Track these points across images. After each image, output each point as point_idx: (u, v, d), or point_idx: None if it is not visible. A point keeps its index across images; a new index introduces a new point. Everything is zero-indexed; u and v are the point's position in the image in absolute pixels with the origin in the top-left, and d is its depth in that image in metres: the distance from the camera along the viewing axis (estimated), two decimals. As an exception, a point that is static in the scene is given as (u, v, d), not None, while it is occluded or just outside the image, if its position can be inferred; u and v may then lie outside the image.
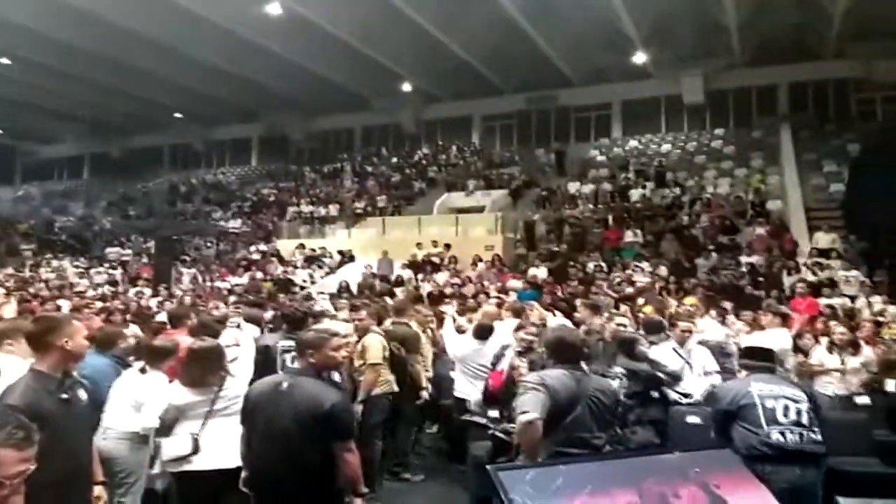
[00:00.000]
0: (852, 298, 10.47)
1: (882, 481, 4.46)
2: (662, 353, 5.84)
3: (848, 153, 18.30)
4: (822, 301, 9.81)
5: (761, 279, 12.09)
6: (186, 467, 3.76)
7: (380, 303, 7.88)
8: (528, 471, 2.86)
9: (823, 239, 13.77)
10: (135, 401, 4.15)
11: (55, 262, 19.59)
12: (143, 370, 4.33)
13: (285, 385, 3.25)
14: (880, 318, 8.16)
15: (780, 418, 3.66)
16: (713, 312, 7.74)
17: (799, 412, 3.68)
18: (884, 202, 12.15)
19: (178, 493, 3.92)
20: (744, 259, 13.32)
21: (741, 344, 6.03)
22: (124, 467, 4.15)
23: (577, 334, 4.25)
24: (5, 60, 22.47)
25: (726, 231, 15.19)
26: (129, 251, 20.71)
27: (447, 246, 16.32)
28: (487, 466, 2.77)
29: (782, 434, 3.62)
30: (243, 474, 3.35)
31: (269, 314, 8.17)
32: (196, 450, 3.69)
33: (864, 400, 5.73)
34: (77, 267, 18.81)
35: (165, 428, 3.88)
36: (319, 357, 3.33)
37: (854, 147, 18.25)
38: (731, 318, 7.96)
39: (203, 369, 3.92)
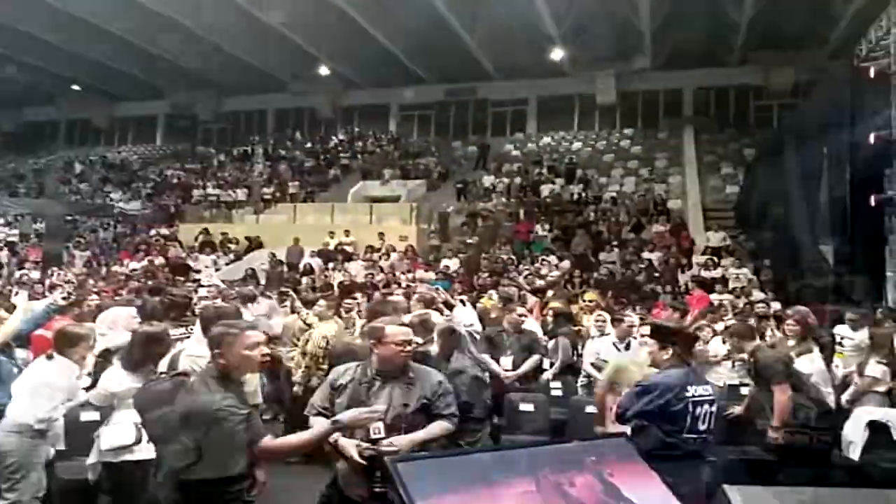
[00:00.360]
0: (740, 294, 11.07)
1: (767, 468, 4.68)
2: (602, 346, 6.02)
3: (745, 157, 19.36)
4: (714, 297, 10.32)
5: (658, 275, 12.62)
6: (127, 457, 3.63)
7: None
8: (426, 461, 2.82)
9: (714, 237, 14.54)
10: (30, 390, 3.89)
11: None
12: (49, 356, 4.04)
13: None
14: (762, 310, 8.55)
15: (700, 426, 3.57)
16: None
17: (711, 416, 3.61)
18: (773, 205, 12.94)
19: (111, 483, 3.76)
20: (644, 255, 13.86)
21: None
22: (12, 461, 3.84)
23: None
24: None
25: (632, 228, 15.77)
26: (17, 231, 19.32)
27: (346, 233, 16.14)
28: (385, 459, 2.70)
29: (694, 441, 3.57)
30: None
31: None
32: (139, 439, 3.53)
33: (750, 390, 6.03)
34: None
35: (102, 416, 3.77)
36: (230, 357, 2.83)
37: (750, 151, 19.31)
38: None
39: (146, 354, 3.82)
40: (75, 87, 27.70)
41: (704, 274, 12.12)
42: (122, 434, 3.64)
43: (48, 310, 4.88)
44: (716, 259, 13.11)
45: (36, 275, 13.13)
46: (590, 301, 8.27)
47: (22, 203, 21.32)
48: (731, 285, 11.58)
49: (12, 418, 3.88)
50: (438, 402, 3.27)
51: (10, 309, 5.16)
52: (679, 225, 15.78)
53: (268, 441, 2.88)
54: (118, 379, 3.81)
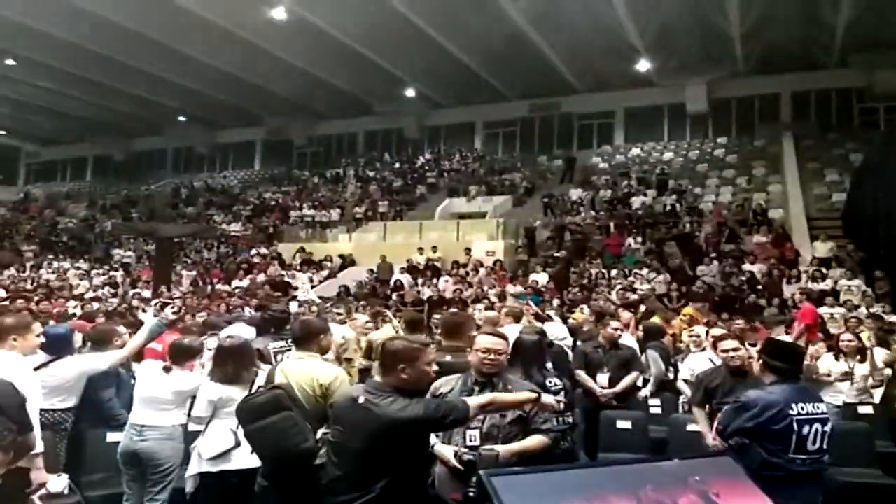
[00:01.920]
0: (853, 308, 10.41)
1: (883, 492, 4.39)
2: (698, 362, 5.81)
3: (850, 162, 18.26)
4: (824, 310, 9.75)
5: (761, 288, 12.05)
6: (225, 466, 3.76)
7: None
8: (521, 476, 2.81)
9: (821, 248, 13.75)
10: (175, 396, 4.17)
11: (56, 264, 19.58)
12: (167, 369, 4.30)
13: (362, 400, 2.88)
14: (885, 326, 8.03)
15: (810, 446, 3.36)
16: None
17: (824, 436, 3.39)
18: (885, 212, 12.09)
19: (209, 493, 3.89)
20: (746, 267, 13.27)
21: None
22: (166, 464, 4.14)
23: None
24: (10, 61, 22.53)
25: (729, 239, 15.15)
26: (131, 253, 20.69)
27: (434, 249, 16.29)
28: (480, 471, 2.71)
29: (803, 462, 3.37)
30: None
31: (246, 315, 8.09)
32: (238, 444, 3.67)
33: (866, 409, 5.66)
34: (78, 269, 18.79)
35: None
36: (413, 372, 2.91)
37: (856, 156, 18.21)
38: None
39: (235, 365, 4.00)
40: (181, 118, 29.45)
41: (812, 286, 11.47)
42: (220, 441, 3.77)
43: (160, 325, 5.16)
44: (824, 270, 12.39)
45: (147, 293, 14.01)
46: (686, 316, 7.97)
47: (134, 227, 22.79)
48: (842, 298, 10.91)
49: (165, 425, 4.14)
50: (536, 416, 3.25)
51: (133, 325, 5.52)
52: (781, 235, 15.01)
53: (474, 400, 2.96)
54: (213, 389, 3.98)
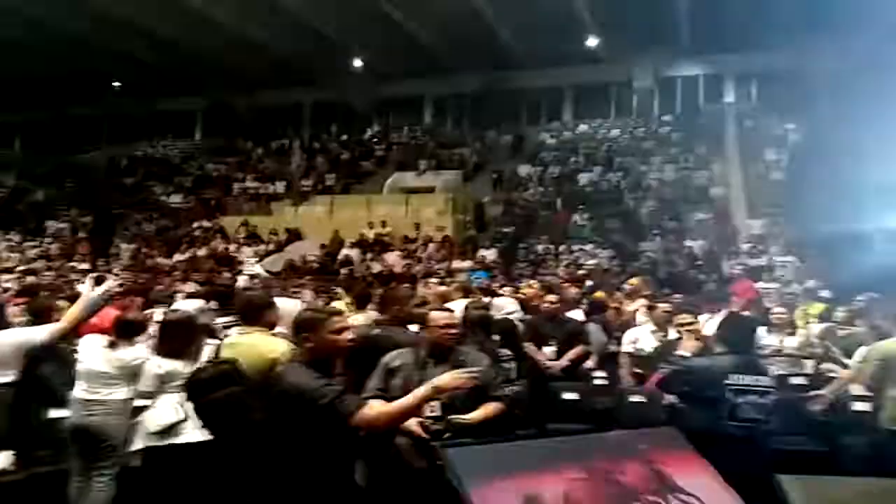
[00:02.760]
0: (787, 283, 10.83)
1: (815, 459, 4.62)
2: (639, 335, 5.98)
3: (788, 142, 18.86)
4: (760, 285, 10.11)
5: (700, 263, 12.42)
6: (172, 440, 3.72)
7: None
8: (475, 447, 2.85)
9: (757, 225, 14.24)
10: (121, 371, 4.09)
11: (-15, 236, 18.66)
12: (112, 344, 4.22)
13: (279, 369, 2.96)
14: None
15: (742, 415, 3.55)
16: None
17: (761, 408, 3.58)
18: (820, 190, 12.59)
19: (155, 467, 3.84)
20: (687, 244, 13.65)
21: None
22: (113, 439, 4.06)
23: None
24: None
25: (671, 217, 15.54)
26: (66, 225, 19.88)
27: (383, 224, 16.22)
28: (435, 443, 2.73)
29: (737, 428, 3.55)
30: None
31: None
32: (185, 418, 3.63)
33: (798, 380, 5.91)
34: (9, 241, 17.95)
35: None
36: (317, 340, 2.94)
37: (795, 137, 18.80)
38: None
39: (181, 339, 3.99)
40: (115, 84, 28.24)
41: (750, 262, 11.89)
42: (166, 415, 3.73)
43: (103, 299, 5.00)
44: (760, 247, 12.85)
45: (85, 266, 13.50)
46: (632, 286, 8.14)
47: (69, 198, 21.90)
48: (776, 273, 11.34)
49: (112, 399, 4.06)
50: (489, 384, 3.35)
51: (71, 299, 5.33)
52: (722, 213, 15.48)
53: (367, 411, 2.84)
54: (159, 364, 3.92)
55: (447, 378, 2.88)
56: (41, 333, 4.23)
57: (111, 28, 21.06)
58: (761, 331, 6.49)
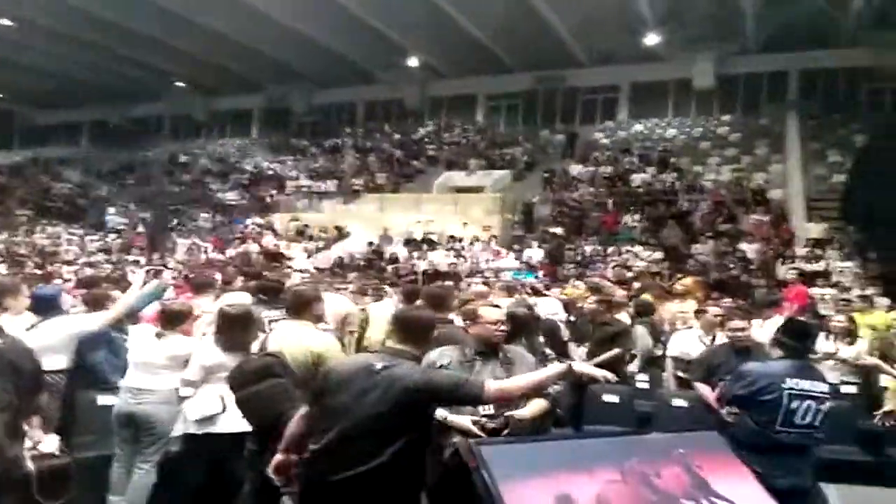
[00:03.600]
0: (844, 290, 10.41)
1: (864, 469, 4.44)
2: (686, 340, 5.82)
3: (854, 144, 18.12)
4: (815, 291, 9.74)
5: (753, 268, 12.04)
6: (211, 429, 3.79)
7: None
8: (508, 446, 2.81)
9: (816, 229, 13.71)
10: (170, 361, 4.15)
11: (50, 229, 19.51)
12: (159, 335, 4.28)
13: (379, 366, 2.81)
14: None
15: (797, 420, 3.43)
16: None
17: (817, 414, 3.45)
18: (885, 195, 12.04)
19: (194, 455, 3.94)
20: (741, 247, 13.25)
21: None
22: (161, 427, 4.14)
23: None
24: (7, 22, 22.07)
25: (726, 219, 15.10)
26: (126, 220, 20.61)
27: (429, 223, 16.22)
28: (469, 440, 2.70)
29: (788, 434, 3.44)
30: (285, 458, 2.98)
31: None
32: (224, 409, 3.68)
33: (849, 389, 5.69)
34: (72, 234, 18.73)
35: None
36: (479, 331, 3.22)
37: (860, 138, 18.05)
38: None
39: (240, 332, 4.01)
40: (178, 84, 29.07)
41: (805, 267, 11.46)
42: (207, 405, 3.79)
43: (158, 290, 5.12)
44: (818, 251, 12.37)
45: (141, 260, 13.96)
46: (682, 287, 7.91)
47: (130, 193, 22.68)
48: (833, 279, 10.90)
49: (161, 389, 4.13)
50: None
51: (125, 290, 5.50)
52: (779, 215, 14.96)
53: (494, 385, 2.82)
54: (209, 354, 3.98)
55: (583, 366, 3.00)
56: (92, 322, 4.36)
57: (173, 27, 21.70)
58: (819, 337, 6.27)
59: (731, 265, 12.20)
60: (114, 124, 32.82)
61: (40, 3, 19.97)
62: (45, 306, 4.29)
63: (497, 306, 3.69)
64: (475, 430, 3.05)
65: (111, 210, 21.77)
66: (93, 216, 21.54)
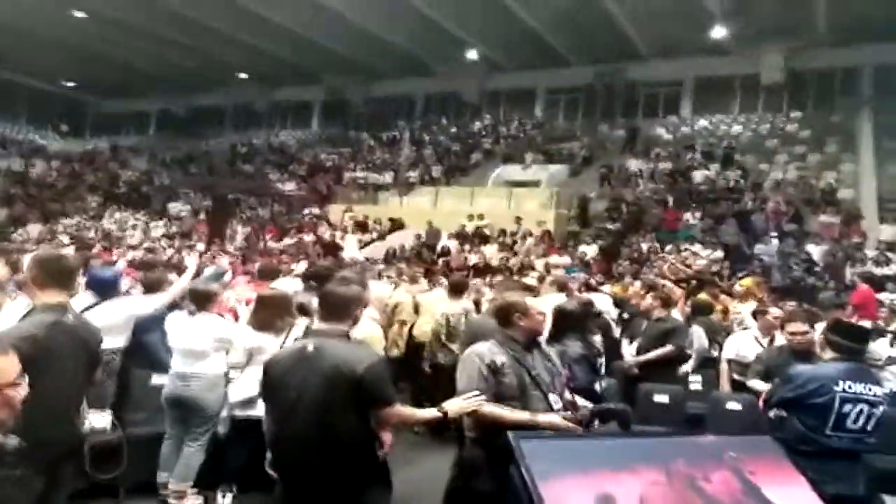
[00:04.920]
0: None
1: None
2: (743, 342, 5.64)
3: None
4: (884, 296, 9.24)
5: (820, 270, 11.52)
6: (251, 412, 3.87)
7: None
8: (550, 441, 2.73)
9: (888, 231, 13.04)
10: (215, 344, 4.26)
11: (117, 215, 20.25)
12: (191, 313, 4.40)
13: (311, 348, 2.85)
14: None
15: (849, 424, 3.29)
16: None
17: (870, 418, 3.30)
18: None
19: (238, 437, 4.03)
20: (807, 248, 12.70)
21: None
22: (209, 410, 4.24)
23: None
24: (80, 13, 22.96)
25: (792, 219, 14.50)
26: (188, 207, 21.20)
27: (480, 216, 16.11)
28: (509, 434, 2.63)
29: (840, 439, 3.30)
30: (269, 455, 3.02)
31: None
32: None
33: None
34: (137, 220, 19.39)
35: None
36: (528, 322, 3.13)
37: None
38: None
39: (271, 315, 4.16)
40: (241, 75, 29.75)
41: (875, 270, 10.90)
42: (248, 388, 3.86)
43: (215, 275, 5.22)
44: (889, 254, 11.75)
45: (201, 247, 14.32)
46: (742, 287, 7.61)
47: (191, 181, 23.34)
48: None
49: (207, 373, 4.23)
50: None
51: (181, 273, 5.64)
52: (850, 216, 14.27)
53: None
54: (249, 336, 4.06)
55: (558, 420, 2.96)
56: (149, 304, 4.47)
57: (238, 20, 22.20)
58: (883, 343, 5.96)
59: (796, 267, 11.70)
60: (179, 114, 33.85)
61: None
62: (105, 288, 4.39)
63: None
64: (564, 423, 2.96)
65: (174, 198, 22.45)
66: (156, 203, 22.26)
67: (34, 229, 17.58)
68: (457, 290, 6.49)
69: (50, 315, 2.70)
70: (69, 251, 9.70)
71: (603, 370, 4.81)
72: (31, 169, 25.67)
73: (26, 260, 4.03)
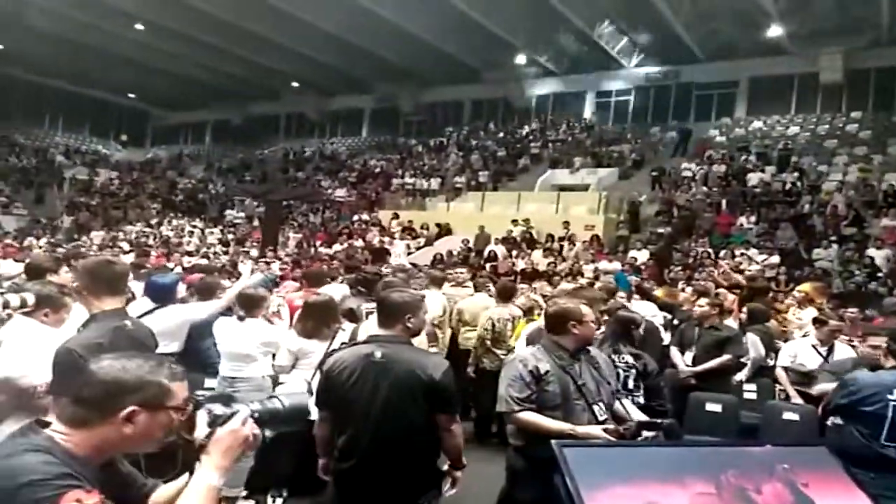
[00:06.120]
0: None
1: None
2: (800, 349, 5.48)
3: None
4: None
5: (882, 275, 11.04)
6: None
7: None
8: (594, 449, 2.70)
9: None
10: (261, 347, 4.35)
11: (175, 221, 20.88)
12: (241, 318, 4.47)
13: (378, 354, 2.84)
14: None
15: None
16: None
17: None
18: None
19: (283, 443, 4.03)
20: (869, 252, 12.20)
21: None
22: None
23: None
24: (139, 26, 23.75)
25: (852, 222, 13.96)
26: (242, 214, 21.71)
27: (526, 221, 16.05)
28: (552, 441, 2.61)
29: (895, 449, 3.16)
30: (323, 460, 3.03)
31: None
32: (311, 393, 3.76)
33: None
34: (194, 227, 19.95)
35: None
36: (417, 322, 2.98)
37: None
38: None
39: (317, 321, 4.20)
40: (294, 84, 30.34)
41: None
42: (296, 388, 3.91)
43: (266, 280, 5.33)
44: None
45: (255, 252, 14.65)
46: (800, 293, 7.34)
47: (245, 188, 23.88)
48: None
49: (254, 376, 4.33)
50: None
51: (237, 278, 5.78)
52: (916, 220, 13.68)
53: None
54: (294, 341, 4.13)
55: (598, 432, 2.92)
56: (203, 311, 4.58)
57: (290, 29, 22.63)
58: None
59: (857, 272, 11.25)
60: (234, 123, 34.74)
61: (169, 8, 21.37)
62: (162, 294, 4.50)
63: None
64: (606, 436, 2.92)
65: (230, 204, 23.01)
66: (212, 210, 22.86)
67: (97, 236, 18.27)
68: (505, 296, 6.48)
69: (110, 321, 2.77)
70: (127, 258, 10.08)
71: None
72: (95, 178, 26.69)
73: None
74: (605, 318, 4.52)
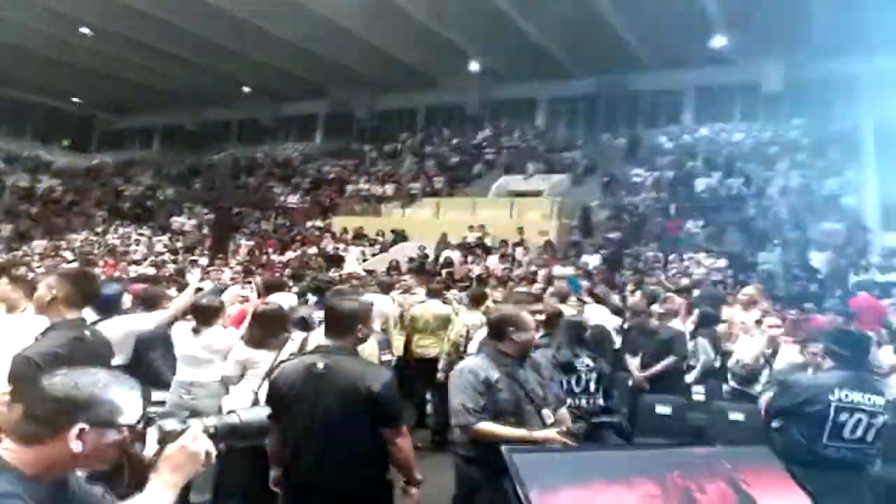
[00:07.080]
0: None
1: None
2: (746, 350, 5.59)
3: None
4: (889, 302, 9.17)
5: (823, 277, 11.46)
6: None
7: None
8: (543, 454, 2.72)
9: (892, 239, 12.98)
10: (212, 354, 4.34)
11: (122, 230, 20.33)
12: (195, 330, 4.44)
13: (321, 366, 2.83)
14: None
15: (846, 434, 3.25)
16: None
17: (868, 428, 3.25)
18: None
19: (234, 454, 3.98)
20: (813, 255, 12.64)
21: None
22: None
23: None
24: (85, 30, 23.13)
25: (795, 226, 14.45)
26: (192, 221, 21.27)
27: (481, 227, 16.09)
28: (502, 448, 2.62)
29: (837, 450, 3.26)
30: (273, 472, 3.00)
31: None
32: (255, 405, 3.69)
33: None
34: (141, 235, 19.46)
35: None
36: (366, 330, 2.98)
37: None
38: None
39: (264, 330, 4.13)
40: (246, 89, 29.89)
41: (879, 278, 10.83)
42: (240, 400, 3.85)
43: (215, 290, 5.24)
44: (894, 261, 11.69)
45: (204, 261, 14.37)
46: (745, 296, 7.54)
47: (194, 195, 23.43)
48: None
49: (209, 381, 4.29)
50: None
51: (184, 287, 5.66)
52: (853, 224, 14.21)
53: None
54: (242, 350, 4.09)
55: (554, 435, 2.98)
56: (149, 321, 4.48)
57: (243, 35, 22.33)
58: (887, 351, 5.90)
59: (800, 275, 11.65)
60: (184, 129, 34.04)
61: (116, 12, 20.82)
62: (107, 305, 4.38)
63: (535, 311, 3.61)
64: (561, 439, 2.98)
65: (178, 212, 22.53)
66: (160, 217, 22.34)
67: (39, 245, 17.68)
68: (477, 301, 6.56)
69: (70, 332, 2.74)
70: (71, 267, 9.78)
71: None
72: (37, 185, 25.82)
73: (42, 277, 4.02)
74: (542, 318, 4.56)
